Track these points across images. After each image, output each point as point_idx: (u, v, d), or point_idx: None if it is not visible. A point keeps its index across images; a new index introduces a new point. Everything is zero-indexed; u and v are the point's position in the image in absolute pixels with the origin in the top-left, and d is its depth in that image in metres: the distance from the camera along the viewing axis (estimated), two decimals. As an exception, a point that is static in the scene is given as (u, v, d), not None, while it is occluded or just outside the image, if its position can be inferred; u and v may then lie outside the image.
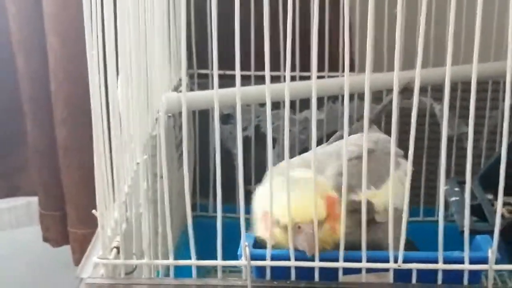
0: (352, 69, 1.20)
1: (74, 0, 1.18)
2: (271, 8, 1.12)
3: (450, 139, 1.21)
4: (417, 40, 0.66)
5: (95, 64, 0.67)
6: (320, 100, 1.22)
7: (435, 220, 1.08)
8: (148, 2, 0.85)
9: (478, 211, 0.93)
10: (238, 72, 0.66)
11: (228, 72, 0.92)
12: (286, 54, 0.67)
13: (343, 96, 0.68)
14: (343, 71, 0.68)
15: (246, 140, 1.25)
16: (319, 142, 0.91)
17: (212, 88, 1.14)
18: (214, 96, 0.68)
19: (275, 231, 0.71)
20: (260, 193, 0.76)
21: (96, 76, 0.68)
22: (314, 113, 0.69)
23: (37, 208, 1.39)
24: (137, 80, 0.80)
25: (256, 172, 1.23)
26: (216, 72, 0.67)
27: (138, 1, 0.81)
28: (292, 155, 1.15)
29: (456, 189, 0.96)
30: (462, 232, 0.70)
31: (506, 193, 0.71)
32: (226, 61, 0.78)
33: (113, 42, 0.70)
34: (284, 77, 0.68)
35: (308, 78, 1.16)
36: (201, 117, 1.24)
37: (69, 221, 1.32)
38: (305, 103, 1.21)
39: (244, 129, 1.27)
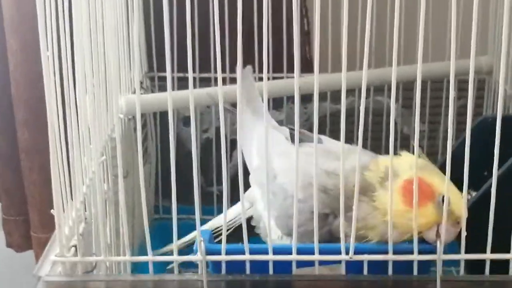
0: (310, 69, 1.22)
1: (33, 3, 1.18)
2: (229, 10, 1.15)
3: (407, 138, 1.24)
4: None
5: (50, 65, 0.68)
6: (279, 101, 1.23)
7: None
8: (104, 3, 0.86)
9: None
10: (190, 73, 0.67)
11: (188, 75, 0.94)
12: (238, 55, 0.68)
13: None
14: (302, 72, 0.70)
15: (207, 142, 1.27)
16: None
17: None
18: (168, 98, 0.69)
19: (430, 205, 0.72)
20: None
21: (51, 77, 0.68)
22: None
23: (0, 214, 1.39)
24: (95, 81, 0.81)
25: (217, 173, 1.25)
26: (169, 73, 0.68)
27: (94, 2, 0.82)
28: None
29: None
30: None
31: (460, 188, 0.73)
32: (186, 64, 0.79)
33: (68, 43, 0.71)
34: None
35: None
36: (162, 118, 1.25)
37: (32, 226, 1.32)
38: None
39: (205, 130, 1.28)
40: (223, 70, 0.70)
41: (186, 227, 0.88)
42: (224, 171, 0.70)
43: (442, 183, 0.72)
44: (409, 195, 0.71)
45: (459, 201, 0.71)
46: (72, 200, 0.74)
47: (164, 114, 1.25)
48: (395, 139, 0.71)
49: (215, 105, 1.22)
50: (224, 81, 0.70)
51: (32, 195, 1.29)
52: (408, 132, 1.26)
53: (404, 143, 1.20)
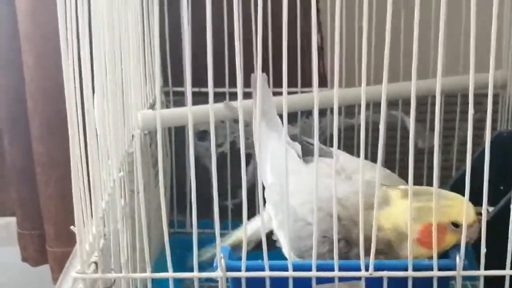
0: (324, 84, 1.22)
1: (49, 19, 1.19)
2: (244, 26, 1.16)
3: (421, 152, 1.24)
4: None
5: (71, 80, 0.69)
6: (293, 115, 1.24)
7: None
8: (123, 20, 0.86)
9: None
10: (211, 88, 0.68)
11: (203, 90, 0.94)
12: (258, 70, 0.68)
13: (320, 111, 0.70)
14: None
15: (221, 156, 1.27)
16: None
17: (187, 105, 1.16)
18: (187, 113, 0.69)
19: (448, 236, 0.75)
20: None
21: (72, 93, 0.69)
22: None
23: (15, 228, 1.40)
24: (113, 97, 0.81)
25: (232, 187, 1.25)
26: (189, 88, 0.69)
27: (113, 19, 0.82)
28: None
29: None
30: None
31: (476, 203, 0.73)
32: (200, 79, 0.80)
33: (88, 59, 0.71)
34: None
35: (282, 94, 1.18)
36: (178, 134, 1.26)
37: (47, 240, 1.32)
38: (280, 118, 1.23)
39: (220, 145, 1.29)
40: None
41: (201, 241, 0.88)
42: (243, 185, 0.70)
43: (441, 208, 0.74)
44: (426, 240, 0.74)
45: (463, 210, 0.72)
46: (92, 216, 0.75)
47: (178, 129, 1.26)
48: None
49: (230, 119, 1.24)
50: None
51: (48, 209, 1.29)
52: (423, 146, 1.26)
53: (419, 157, 1.21)
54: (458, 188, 1.01)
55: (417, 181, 1.17)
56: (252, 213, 0.75)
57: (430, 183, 1.16)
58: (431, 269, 0.71)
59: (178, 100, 1.25)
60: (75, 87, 0.69)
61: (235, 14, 0.65)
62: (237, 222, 1.04)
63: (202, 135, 1.26)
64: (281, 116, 0.71)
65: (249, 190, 0.71)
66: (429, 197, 0.75)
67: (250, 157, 1.18)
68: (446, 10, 0.65)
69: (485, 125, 0.68)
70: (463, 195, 0.71)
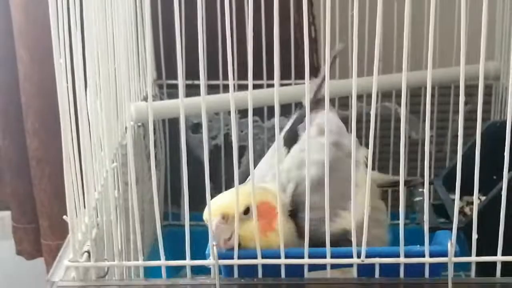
0: (316, 76, 1.22)
1: (43, 13, 1.19)
2: (237, 18, 1.16)
3: (415, 143, 1.24)
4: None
5: (63, 73, 0.69)
6: (287, 107, 1.24)
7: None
8: (115, 12, 0.87)
9: (441, 211, 0.96)
10: (202, 80, 0.68)
11: (197, 82, 0.94)
12: (248, 62, 0.68)
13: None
14: (310, 79, 0.70)
15: (215, 149, 1.27)
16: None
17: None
18: (180, 105, 0.69)
19: None
20: None
21: (64, 85, 0.69)
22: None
23: (10, 222, 1.40)
24: (106, 89, 0.81)
25: (226, 180, 1.26)
26: (181, 80, 0.69)
27: (105, 12, 0.82)
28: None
29: (420, 189, 0.98)
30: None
31: (469, 193, 0.73)
32: (194, 71, 0.80)
33: (80, 51, 0.71)
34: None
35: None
36: (171, 126, 1.26)
37: (42, 233, 1.33)
38: (273, 111, 1.23)
39: (214, 137, 1.29)
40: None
41: (195, 233, 0.88)
42: (236, 177, 0.71)
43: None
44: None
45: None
46: (84, 206, 0.75)
47: (172, 122, 1.26)
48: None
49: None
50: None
51: (42, 203, 1.30)
52: (416, 137, 1.27)
53: (412, 149, 1.22)
54: (450, 178, 1.02)
55: (411, 172, 1.18)
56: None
57: (424, 173, 1.17)
58: (423, 255, 0.71)
59: (172, 92, 1.25)
60: (67, 80, 0.70)
61: (226, 6, 0.65)
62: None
63: (195, 127, 1.26)
64: (273, 108, 0.71)
65: (243, 182, 0.72)
66: None
67: (243, 149, 1.19)
68: (439, 1, 0.65)
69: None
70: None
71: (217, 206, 0.73)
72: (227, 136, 1.28)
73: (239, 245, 0.73)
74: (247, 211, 0.74)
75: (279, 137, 0.90)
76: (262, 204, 0.74)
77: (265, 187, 0.78)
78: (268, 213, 0.74)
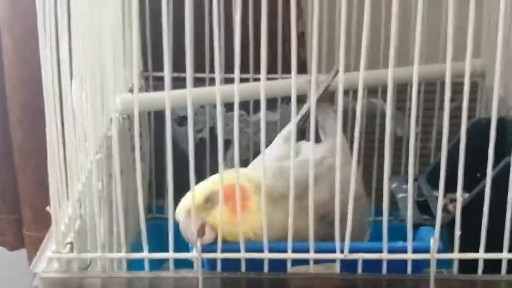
0: (304, 70, 1.22)
1: (29, 3, 1.18)
2: (225, 11, 1.15)
3: (400, 139, 1.24)
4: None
5: (48, 63, 0.69)
6: (274, 102, 1.24)
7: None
8: (102, 3, 0.86)
9: (425, 208, 0.96)
10: (189, 73, 0.68)
11: (183, 75, 0.94)
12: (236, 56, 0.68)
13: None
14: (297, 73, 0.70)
15: (201, 142, 1.27)
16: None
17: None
18: (165, 97, 0.69)
19: None
20: None
21: (49, 76, 0.69)
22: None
23: (-7, 213, 1.40)
24: (91, 80, 0.81)
25: (211, 173, 1.25)
26: (168, 72, 0.69)
27: (91, 2, 0.82)
28: (246, 156, 1.17)
29: (404, 186, 0.99)
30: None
31: (453, 190, 0.74)
32: (181, 64, 0.80)
33: (66, 42, 0.71)
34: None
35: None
36: (157, 118, 1.26)
37: (25, 224, 1.32)
38: (259, 105, 1.23)
39: (199, 131, 1.29)
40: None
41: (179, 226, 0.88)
42: (220, 171, 0.71)
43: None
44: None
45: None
46: (68, 197, 0.75)
47: (158, 114, 1.26)
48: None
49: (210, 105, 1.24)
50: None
51: (26, 194, 1.29)
52: (402, 134, 1.27)
53: (397, 145, 1.22)
54: (435, 175, 1.02)
55: (396, 169, 1.18)
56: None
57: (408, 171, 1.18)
58: (406, 251, 0.72)
59: (158, 85, 1.24)
60: (52, 70, 0.69)
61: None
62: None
63: (181, 120, 1.26)
64: (259, 102, 0.71)
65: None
66: None
67: (229, 143, 1.18)
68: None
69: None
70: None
71: (181, 205, 0.73)
72: (213, 130, 1.27)
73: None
74: (207, 200, 0.73)
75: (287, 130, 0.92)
76: (229, 188, 0.72)
77: (242, 171, 0.76)
78: (235, 195, 0.71)
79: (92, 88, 0.81)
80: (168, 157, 0.70)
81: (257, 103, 1.23)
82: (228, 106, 0.72)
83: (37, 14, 0.67)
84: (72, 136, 0.74)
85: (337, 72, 0.96)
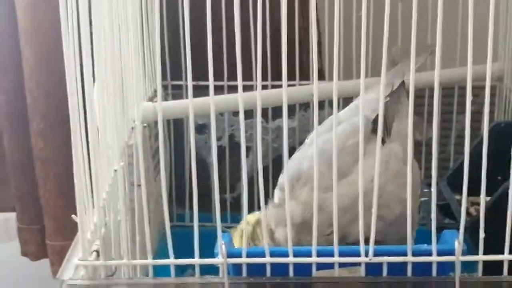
0: (321, 77, 1.23)
1: (49, 14, 1.20)
2: (242, 20, 1.16)
3: (419, 144, 1.24)
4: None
5: (72, 72, 0.69)
6: (291, 108, 1.24)
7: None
8: (124, 13, 0.87)
9: (447, 211, 0.97)
10: (211, 81, 0.68)
11: (202, 83, 0.94)
12: (257, 64, 0.69)
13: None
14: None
15: (220, 150, 1.28)
16: (291, 150, 0.93)
17: (186, 98, 1.17)
18: (188, 105, 0.70)
19: None
20: None
21: (73, 85, 0.69)
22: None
23: (15, 224, 1.40)
24: (113, 89, 0.82)
25: (230, 181, 1.26)
26: (190, 80, 0.69)
27: (113, 13, 0.83)
28: (265, 164, 1.18)
29: (425, 190, 0.99)
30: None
31: (474, 193, 0.74)
32: (199, 72, 0.80)
33: (89, 51, 0.72)
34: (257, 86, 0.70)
35: (280, 87, 1.19)
36: (176, 127, 1.26)
37: (47, 234, 1.33)
38: (277, 112, 1.24)
39: (218, 138, 1.29)
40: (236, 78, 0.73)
41: (200, 235, 0.89)
42: (244, 177, 0.71)
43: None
44: None
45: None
46: (93, 205, 0.76)
47: (177, 122, 1.26)
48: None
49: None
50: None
51: (47, 204, 1.30)
52: (420, 138, 1.27)
53: (416, 150, 1.22)
54: (455, 178, 1.03)
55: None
56: (250, 206, 0.76)
57: (428, 174, 1.18)
58: (431, 254, 0.72)
59: (177, 93, 1.25)
60: (76, 78, 0.70)
61: (235, 8, 0.66)
62: (236, 215, 1.05)
63: (200, 128, 1.27)
64: (279, 109, 0.72)
65: (248, 183, 0.72)
66: None
67: (249, 150, 1.19)
68: (444, 2, 0.66)
69: (482, 117, 0.69)
70: (461, 186, 0.71)
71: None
72: (232, 137, 1.28)
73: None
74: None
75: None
76: None
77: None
78: None
79: (114, 97, 0.82)
80: (192, 165, 0.70)
81: (275, 110, 1.24)
82: (247, 113, 0.73)
83: (59, 24, 0.68)
84: (97, 145, 0.75)
85: (431, 51, 0.96)
